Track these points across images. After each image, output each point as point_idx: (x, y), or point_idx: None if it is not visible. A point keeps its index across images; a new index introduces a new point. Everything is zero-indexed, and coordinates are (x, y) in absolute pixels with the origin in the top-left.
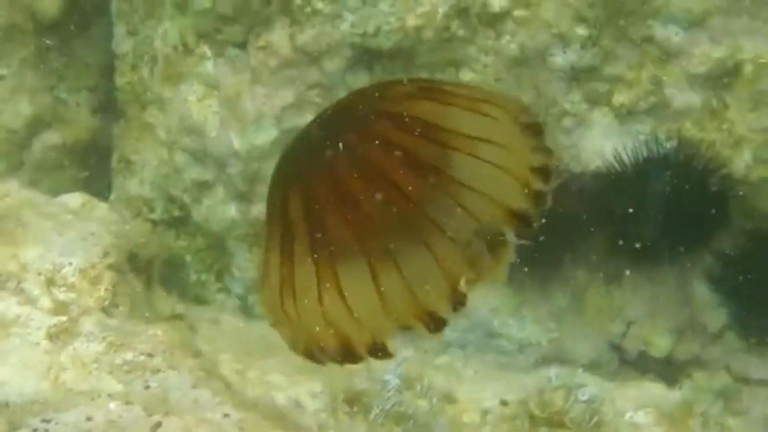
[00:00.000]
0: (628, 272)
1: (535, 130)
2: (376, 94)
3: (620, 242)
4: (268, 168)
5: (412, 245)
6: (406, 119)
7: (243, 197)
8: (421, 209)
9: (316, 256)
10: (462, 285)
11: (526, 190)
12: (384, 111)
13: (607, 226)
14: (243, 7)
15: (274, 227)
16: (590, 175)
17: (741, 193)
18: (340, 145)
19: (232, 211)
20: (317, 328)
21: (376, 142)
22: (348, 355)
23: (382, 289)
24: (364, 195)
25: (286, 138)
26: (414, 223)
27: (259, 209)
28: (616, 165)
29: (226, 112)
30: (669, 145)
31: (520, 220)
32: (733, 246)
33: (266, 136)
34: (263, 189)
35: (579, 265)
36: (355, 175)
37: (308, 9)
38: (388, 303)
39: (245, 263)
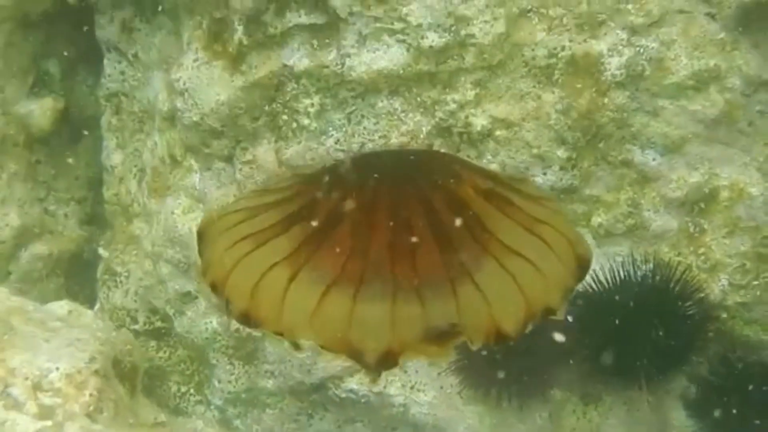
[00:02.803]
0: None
1: (582, 266)
2: (456, 168)
3: (598, 364)
4: None
5: (382, 292)
6: (464, 206)
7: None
8: (416, 284)
9: (302, 245)
10: (401, 355)
11: (524, 320)
12: (449, 188)
13: (585, 348)
14: (230, 122)
15: (299, 198)
16: None
17: (717, 317)
18: (395, 186)
19: (213, 323)
20: (243, 285)
21: (425, 205)
22: (247, 322)
23: (327, 301)
24: (381, 241)
25: None
26: (401, 283)
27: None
28: (594, 286)
29: None
30: (646, 267)
31: (498, 341)
32: (709, 371)
33: None
34: None
35: (557, 386)
36: (387, 220)
37: (294, 125)
38: (321, 315)
39: (225, 375)
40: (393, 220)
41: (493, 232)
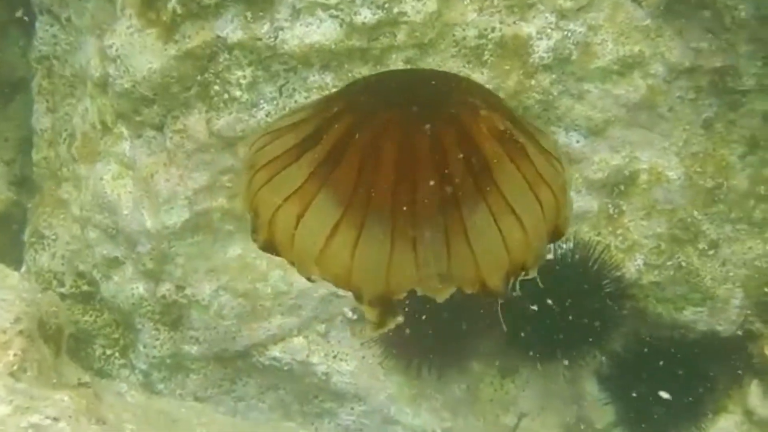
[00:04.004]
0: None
1: (555, 235)
2: (475, 100)
3: (516, 337)
4: (179, 248)
5: (384, 230)
6: (475, 146)
7: (151, 275)
8: (416, 219)
9: (315, 171)
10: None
11: (507, 277)
12: (465, 124)
13: (504, 321)
14: (162, 90)
15: (311, 122)
16: None
17: (632, 295)
18: (406, 117)
19: (140, 288)
20: (262, 212)
21: (433, 141)
22: (269, 249)
23: (333, 237)
24: (386, 169)
25: (197, 219)
26: (401, 219)
27: (167, 287)
28: None
29: (140, 192)
30: (566, 246)
31: (486, 296)
32: (623, 346)
33: (178, 216)
34: (172, 268)
35: (475, 358)
36: (394, 151)
37: (226, 96)
38: (327, 249)
39: (150, 340)
40: (401, 156)
41: (497, 182)
